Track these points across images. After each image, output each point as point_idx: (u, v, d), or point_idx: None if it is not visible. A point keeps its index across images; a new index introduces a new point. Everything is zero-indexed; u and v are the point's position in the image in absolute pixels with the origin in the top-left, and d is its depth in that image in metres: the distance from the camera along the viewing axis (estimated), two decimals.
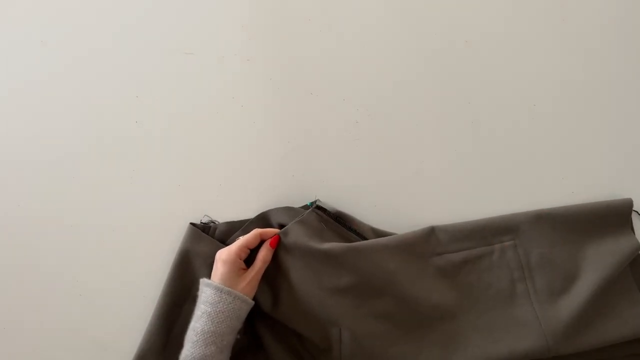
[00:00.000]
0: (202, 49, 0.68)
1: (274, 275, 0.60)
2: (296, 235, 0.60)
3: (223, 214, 0.65)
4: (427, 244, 0.63)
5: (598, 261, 0.62)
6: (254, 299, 0.57)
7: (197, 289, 0.56)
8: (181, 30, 0.68)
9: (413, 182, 0.68)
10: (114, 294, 0.64)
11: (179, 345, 0.53)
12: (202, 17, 0.69)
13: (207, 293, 0.54)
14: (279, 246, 0.60)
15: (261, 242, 0.60)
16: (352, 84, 0.69)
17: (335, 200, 0.66)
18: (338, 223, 0.63)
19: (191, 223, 0.63)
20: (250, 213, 0.65)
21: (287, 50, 0.69)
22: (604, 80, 0.71)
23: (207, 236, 0.63)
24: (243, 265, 0.57)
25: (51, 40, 0.67)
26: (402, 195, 0.67)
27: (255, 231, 0.59)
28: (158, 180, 0.66)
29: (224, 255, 0.56)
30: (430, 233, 0.64)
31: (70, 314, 0.64)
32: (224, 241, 0.63)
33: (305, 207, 0.64)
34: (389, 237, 0.63)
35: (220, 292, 0.53)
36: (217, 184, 0.66)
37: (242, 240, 0.58)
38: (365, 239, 0.63)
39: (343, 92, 0.69)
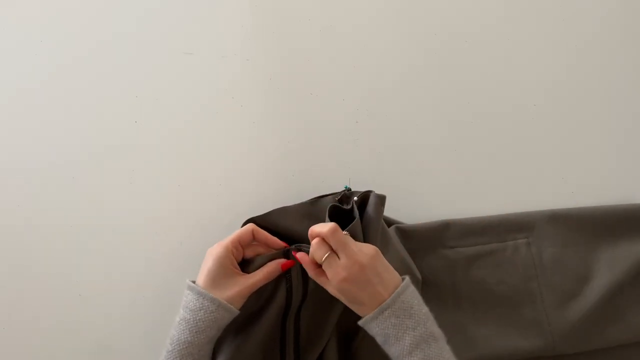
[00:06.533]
0: (202, 49, 0.68)
1: None
2: None
3: (223, 214, 0.65)
4: (439, 236, 0.63)
5: (610, 265, 0.62)
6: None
7: None
8: (181, 30, 0.68)
9: (412, 182, 0.68)
10: (114, 294, 0.64)
11: None
12: (202, 17, 0.69)
13: (189, 298, 0.49)
14: None
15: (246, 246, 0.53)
16: (352, 84, 0.69)
17: None
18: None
19: None
20: (249, 213, 0.64)
21: (287, 50, 0.69)
22: (603, 80, 0.71)
23: None
24: (235, 264, 0.52)
25: (50, 40, 0.67)
26: (401, 196, 0.67)
27: (249, 226, 0.53)
28: (158, 180, 0.66)
29: (214, 250, 0.51)
30: (445, 226, 0.64)
31: (70, 314, 0.63)
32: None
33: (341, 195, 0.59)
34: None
35: (203, 298, 0.48)
36: (217, 184, 0.66)
37: (234, 235, 0.52)
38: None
39: (343, 92, 0.69)
